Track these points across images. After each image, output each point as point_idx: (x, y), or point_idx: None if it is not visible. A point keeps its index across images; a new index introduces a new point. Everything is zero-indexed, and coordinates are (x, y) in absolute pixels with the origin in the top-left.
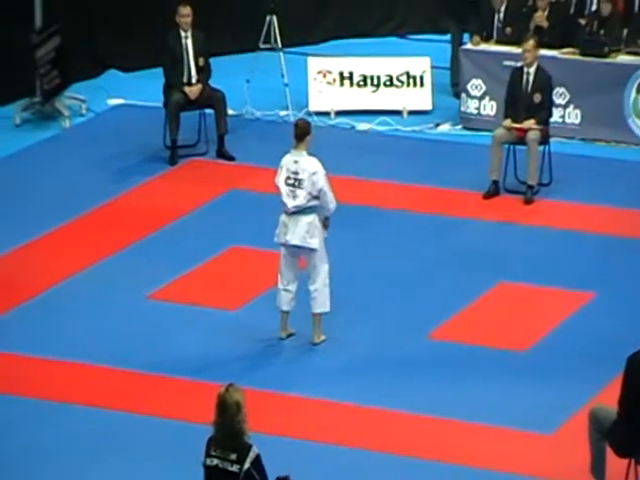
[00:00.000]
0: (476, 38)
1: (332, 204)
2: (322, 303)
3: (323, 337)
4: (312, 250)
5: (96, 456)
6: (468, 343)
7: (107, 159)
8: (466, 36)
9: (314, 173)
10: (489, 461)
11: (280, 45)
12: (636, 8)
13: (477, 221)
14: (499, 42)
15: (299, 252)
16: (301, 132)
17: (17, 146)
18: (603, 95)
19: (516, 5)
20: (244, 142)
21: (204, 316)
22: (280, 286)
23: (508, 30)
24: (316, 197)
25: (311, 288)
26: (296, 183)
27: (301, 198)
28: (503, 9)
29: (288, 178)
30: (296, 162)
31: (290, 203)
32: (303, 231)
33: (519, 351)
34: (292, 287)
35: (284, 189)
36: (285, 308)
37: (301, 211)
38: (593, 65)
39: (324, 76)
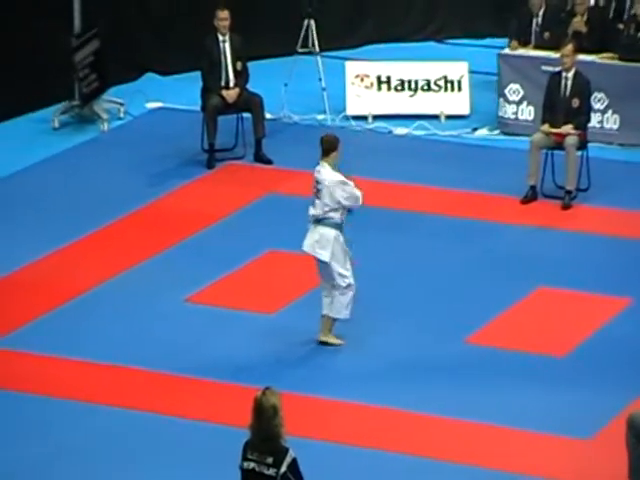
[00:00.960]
0: (514, 43)
1: (362, 199)
2: (336, 310)
3: (337, 341)
4: (324, 262)
5: (133, 459)
6: (505, 348)
7: (145, 162)
8: (504, 41)
9: (331, 185)
10: (525, 466)
11: (318, 49)
12: None
13: (515, 226)
14: (537, 47)
15: (318, 261)
16: (327, 147)
17: (55, 149)
18: None
19: (554, 10)
20: (281, 146)
21: (241, 319)
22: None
23: (546, 35)
24: (335, 209)
25: (329, 295)
26: (317, 192)
27: (318, 208)
28: (541, 14)
29: (313, 186)
30: (319, 172)
31: (310, 211)
32: (313, 240)
33: (556, 356)
34: (327, 293)
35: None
36: (322, 312)
37: (320, 221)
38: (632, 70)
39: (362, 80)
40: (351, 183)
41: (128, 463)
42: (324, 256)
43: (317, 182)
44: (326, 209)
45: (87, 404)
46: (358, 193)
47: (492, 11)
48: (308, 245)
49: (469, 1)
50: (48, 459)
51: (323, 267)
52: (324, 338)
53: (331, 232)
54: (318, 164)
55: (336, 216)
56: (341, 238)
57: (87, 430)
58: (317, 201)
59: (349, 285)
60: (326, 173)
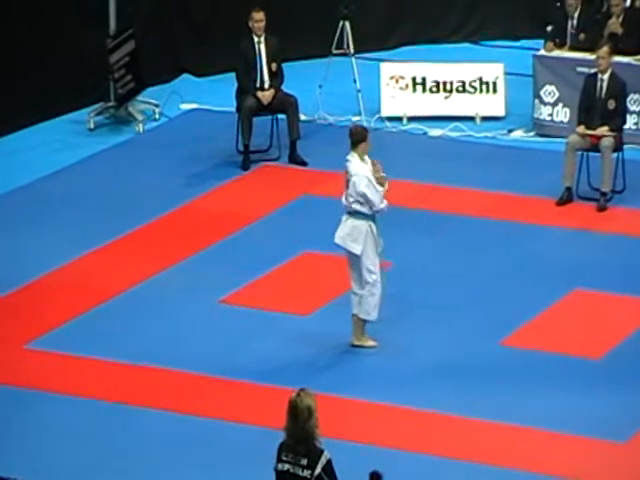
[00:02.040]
0: (549, 44)
1: (376, 207)
2: (365, 311)
3: (371, 343)
4: (351, 254)
5: (168, 460)
6: (541, 350)
7: (180, 163)
8: (539, 42)
9: (356, 175)
10: (561, 469)
11: (352, 51)
12: None
13: (550, 228)
14: (573, 48)
15: (347, 254)
16: (356, 138)
17: (91, 150)
18: None
19: (590, 11)
20: (316, 147)
21: (276, 321)
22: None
23: (582, 36)
24: (360, 202)
25: (358, 293)
26: (346, 183)
27: (347, 198)
28: (577, 15)
29: (344, 177)
30: (348, 162)
31: (343, 201)
32: (345, 232)
33: (593, 359)
34: (356, 290)
35: (344, 188)
36: (352, 310)
37: (353, 214)
38: None
39: (396, 82)
40: (378, 188)
41: (165, 464)
42: (356, 249)
43: (347, 172)
44: (351, 200)
45: (122, 405)
46: (376, 200)
47: (528, 13)
48: (340, 237)
49: (505, 2)
50: (91, 462)
51: (353, 260)
52: (357, 342)
53: (363, 224)
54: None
55: (364, 209)
56: (374, 228)
57: (123, 432)
58: (346, 191)
59: (375, 282)
60: (353, 165)
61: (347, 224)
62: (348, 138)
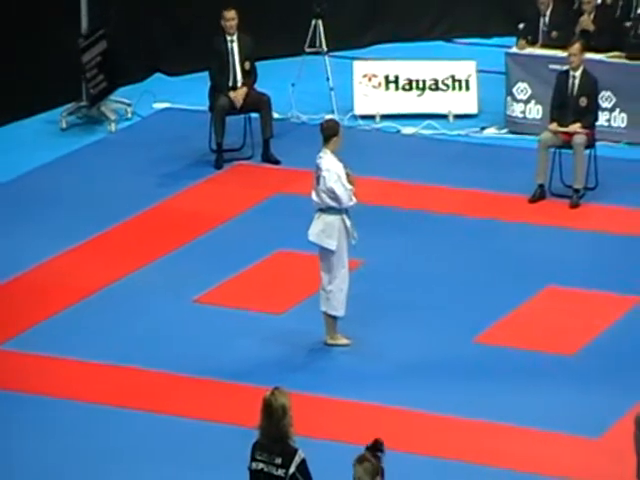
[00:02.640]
0: (521, 42)
1: (344, 204)
2: (334, 307)
3: (344, 341)
4: (328, 251)
5: (141, 460)
6: (514, 347)
7: (153, 163)
8: (512, 40)
9: (327, 170)
10: (534, 465)
11: (325, 49)
12: None
13: (523, 225)
14: (545, 46)
15: (320, 251)
16: (327, 133)
17: (63, 150)
18: None
19: (562, 9)
20: (290, 146)
21: (250, 320)
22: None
23: (554, 34)
24: (332, 198)
25: (327, 289)
26: (317, 179)
27: (320, 195)
28: (549, 13)
29: (314, 174)
30: (319, 159)
31: (313, 198)
32: (319, 229)
33: (566, 355)
34: (326, 285)
35: (313, 185)
36: (320, 307)
37: (325, 210)
38: (639, 68)
39: (369, 80)
40: (347, 186)
41: (136, 464)
42: (331, 245)
43: (318, 169)
44: (322, 195)
45: (95, 405)
46: (344, 197)
47: (500, 10)
48: (314, 234)
49: (478, 1)
50: (59, 461)
51: (326, 256)
52: (331, 341)
53: (336, 219)
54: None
55: (335, 204)
56: (347, 222)
57: (95, 431)
58: (317, 187)
59: (344, 277)
60: (327, 160)
61: (320, 220)
62: (320, 133)
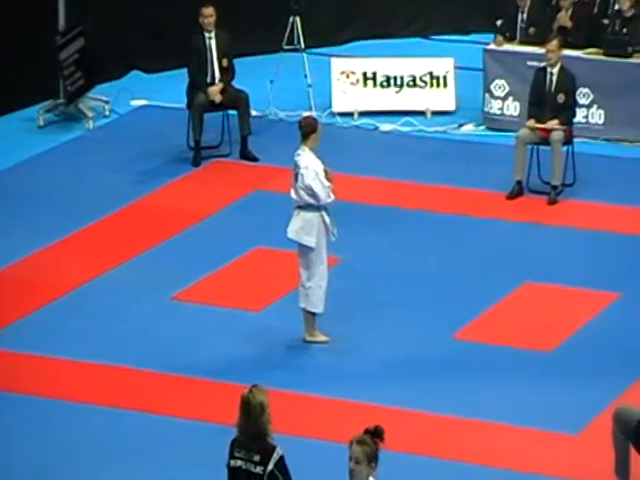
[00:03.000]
0: (499, 38)
1: (322, 202)
2: (313, 303)
3: (322, 338)
4: (307, 248)
5: (119, 458)
6: (493, 344)
7: (130, 160)
8: (490, 37)
9: (305, 168)
10: (513, 461)
11: (303, 46)
12: None
13: (501, 221)
14: (523, 42)
15: (299, 248)
16: (306, 130)
17: (40, 148)
18: (627, 95)
19: (540, 5)
20: (267, 143)
21: (228, 317)
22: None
23: (531, 30)
24: (311, 195)
25: (306, 285)
26: (295, 176)
27: (299, 192)
28: (527, 9)
29: (293, 171)
30: (298, 156)
31: (292, 195)
32: (298, 226)
33: (544, 352)
34: (305, 282)
35: (292, 182)
36: (299, 304)
37: (303, 207)
38: (617, 65)
39: (347, 77)
40: (325, 183)
41: (114, 462)
42: (310, 242)
43: (296, 166)
44: (301, 193)
45: (73, 403)
46: (322, 194)
47: (478, 7)
48: (293, 232)
49: None
50: (42, 462)
51: (305, 253)
52: (310, 338)
53: (315, 216)
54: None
55: (313, 201)
56: (326, 218)
57: (72, 429)
58: (296, 184)
59: (323, 274)
60: (306, 157)
61: (299, 218)
62: (298, 130)
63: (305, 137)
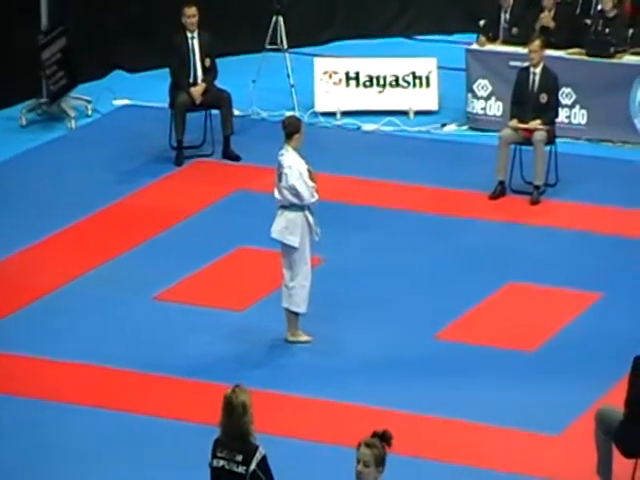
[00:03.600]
0: (482, 38)
1: (305, 201)
2: (296, 303)
3: (305, 338)
4: (291, 247)
5: (101, 457)
6: (475, 344)
7: (113, 160)
8: (472, 37)
9: (289, 167)
10: (495, 462)
11: (286, 46)
12: None
13: (483, 221)
14: (505, 42)
15: (282, 247)
16: (289, 130)
17: (23, 147)
18: (609, 95)
19: (522, 5)
20: (250, 143)
21: (211, 317)
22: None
23: (514, 30)
24: (295, 195)
25: (289, 285)
26: (279, 176)
27: (282, 192)
28: (509, 9)
29: (276, 171)
30: (282, 155)
31: (276, 195)
32: (282, 226)
33: (526, 351)
34: (288, 282)
35: (275, 182)
36: (282, 304)
37: (287, 207)
38: (599, 65)
39: (330, 77)
40: (309, 183)
41: (97, 463)
42: (294, 242)
43: (280, 166)
44: (285, 192)
45: (54, 403)
46: (306, 194)
47: (460, 7)
48: (277, 231)
49: None
50: (20, 461)
51: (288, 253)
52: (292, 338)
53: (299, 216)
54: (282, 148)
55: (297, 201)
56: (310, 218)
57: (54, 429)
58: (280, 184)
59: (307, 274)
60: (289, 157)
61: (283, 217)
62: (282, 130)
63: (288, 137)
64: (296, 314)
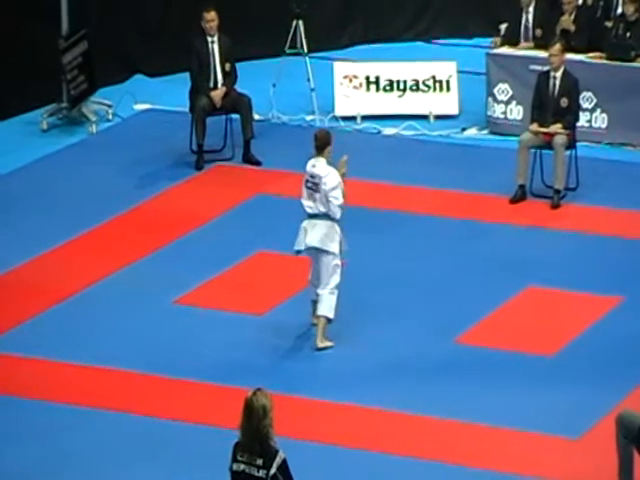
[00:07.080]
0: (496, 39)
1: (337, 214)
2: (327, 308)
3: (328, 343)
4: (329, 254)
5: (124, 462)
6: (495, 348)
7: (133, 164)
8: (489, 40)
9: (326, 176)
10: (515, 466)
11: (306, 50)
12: None
13: (504, 226)
14: (528, 42)
15: (317, 255)
16: (321, 143)
17: (44, 151)
18: (630, 99)
19: (544, 7)
20: (270, 147)
21: (230, 321)
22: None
23: (538, 32)
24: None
25: (319, 292)
26: (314, 187)
27: (318, 202)
28: (531, 10)
29: (307, 181)
30: (314, 166)
31: (308, 205)
32: (322, 234)
33: (546, 355)
34: (320, 290)
35: (304, 192)
36: (318, 312)
37: (320, 216)
38: (620, 69)
39: (350, 81)
40: (339, 196)
41: (120, 468)
42: (335, 249)
43: (312, 176)
44: (325, 202)
45: (77, 407)
46: (336, 208)
47: (480, 10)
48: (317, 240)
49: (457, 1)
50: (39, 463)
51: (325, 260)
52: (322, 345)
53: (334, 225)
54: (312, 159)
55: (332, 210)
56: (338, 229)
57: (76, 434)
58: (317, 195)
59: (337, 282)
60: (322, 167)
61: (321, 226)
62: (313, 142)
63: (320, 150)
64: (329, 320)
